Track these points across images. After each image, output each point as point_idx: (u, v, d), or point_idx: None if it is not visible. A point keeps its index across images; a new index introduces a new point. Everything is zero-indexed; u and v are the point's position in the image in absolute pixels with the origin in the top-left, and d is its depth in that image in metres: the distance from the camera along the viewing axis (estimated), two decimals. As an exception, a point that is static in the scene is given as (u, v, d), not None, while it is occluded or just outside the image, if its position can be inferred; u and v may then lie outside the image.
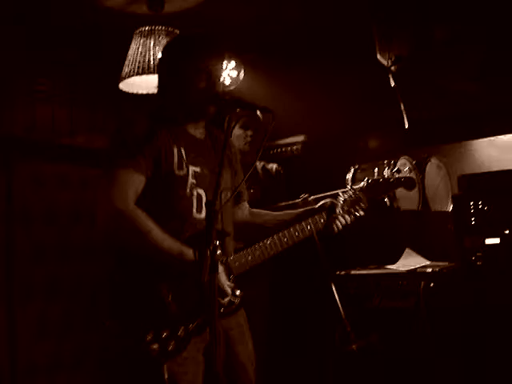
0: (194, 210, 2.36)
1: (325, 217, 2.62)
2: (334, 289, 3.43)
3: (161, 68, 2.52)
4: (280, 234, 2.49)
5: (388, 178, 2.86)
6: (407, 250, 3.84)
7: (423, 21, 3.62)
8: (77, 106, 4.36)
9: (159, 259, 2.25)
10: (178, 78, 2.41)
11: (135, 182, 2.27)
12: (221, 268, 2.29)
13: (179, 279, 2.27)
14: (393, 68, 3.71)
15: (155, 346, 2.20)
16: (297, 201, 3.61)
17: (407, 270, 3.56)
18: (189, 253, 2.24)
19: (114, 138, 2.36)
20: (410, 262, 3.72)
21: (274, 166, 3.94)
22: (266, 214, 2.74)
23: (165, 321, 2.23)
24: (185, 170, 2.36)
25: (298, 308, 4.31)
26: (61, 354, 4.12)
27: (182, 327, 2.25)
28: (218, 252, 1.95)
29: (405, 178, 2.91)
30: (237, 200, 2.65)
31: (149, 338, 2.20)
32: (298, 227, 2.54)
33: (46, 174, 4.17)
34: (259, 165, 3.91)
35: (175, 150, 2.35)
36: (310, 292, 4.07)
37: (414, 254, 3.82)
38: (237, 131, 3.68)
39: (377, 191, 2.83)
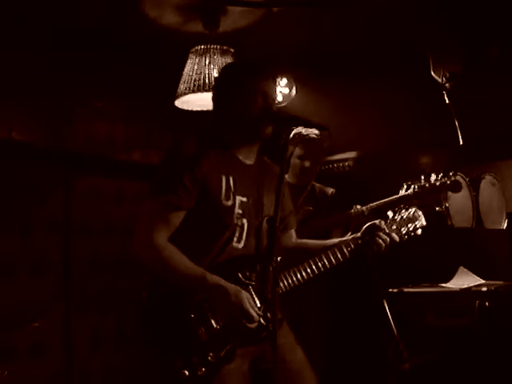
0: (235, 239, 2.37)
1: (363, 239, 2.58)
2: (386, 306, 3.41)
3: (217, 88, 2.54)
4: (317, 257, 2.48)
5: (434, 183, 2.92)
6: (461, 268, 3.80)
7: (477, 38, 3.61)
8: (133, 122, 4.47)
9: (184, 287, 2.28)
10: (235, 99, 2.42)
11: (173, 219, 2.30)
12: (247, 294, 2.26)
13: (207, 305, 2.28)
14: (447, 85, 3.70)
15: (185, 372, 2.22)
16: (350, 211, 3.59)
17: (461, 289, 3.52)
18: (212, 277, 2.25)
19: (160, 169, 2.38)
20: (464, 280, 3.68)
21: (330, 191, 3.89)
22: (312, 242, 2.73)
23: (194, 347, 2.24)
24: (232, 200, 2.36)
25: (354, 326, 4.28)
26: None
27: (212, 353, 2.25)
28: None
29: (451, 180, 2.93)
30: (284, 227, 2.64)
31: (178, 364, 2.22)
32: (336, 249, 2.52)
33: (103, 189, 4.29)
34: (317, 186, 3.88)
35: (223, 179, 2.36)
36: (365, 310, 4.05)
37: (469, 272, 3.77)
38: (294, 160, 3.62)
39: (424, 197, 2.88)
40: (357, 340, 4.23)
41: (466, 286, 3.54)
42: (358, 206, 3.56)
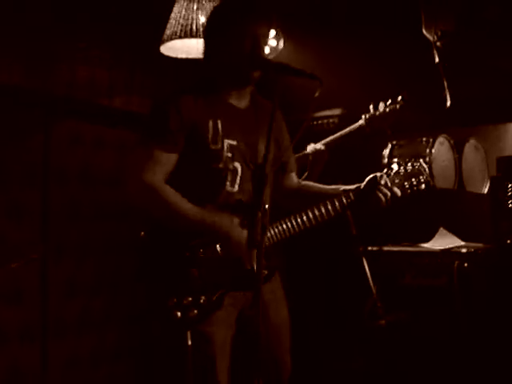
0: (228, 183, 2.37)
1: (364, 191, 2.52)
2: (365, 264, 3.42)
3: (207, 32, 2.50)
4: (315, 208, 2.45)
5: (384, 110, 3.31)
6: (441, 229, 3.81)
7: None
8: (116, 67, 4.35)
9: (185, 228, 2.28)
10: (224, 42, 2.39)
11: (166, 162, 2.31)
12: (244, 239, 2.26)
13: (203, 249, 2.29)
14: (438, 43, 3.64)
15: (178, 312, 2.23)
16: (306, 151, 3.56)
17: (441, 249, 3.54)
18: (213, 218, 2.26)
19: (151, 114, 2.40)
20: (444, 241, 3.69)
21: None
22: (314, 186, 2.70)
23: (188, 288, 2.25)
24: (219, 143, 2.35)
25: (328, 281, 4.31)
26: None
27: (204, 297, 2.26)
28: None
29: (400, 106, 3.26)
30: (283, 170, 2.64)
31: (171, 303, 2.23)
32: (335, 200, 2.48)
33: (83, 134, 4.20)
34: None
35: (210, 123, 2.35)
36: (342, 266, 4.06)
37: (449, 233, 3.79)
38: None
39: (376, 124, 3.26)
40: (334, 295, 4.24)
41: (445, 247, 3.55)
42: (313, 144, 3.53)
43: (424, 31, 3.67)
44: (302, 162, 3.44)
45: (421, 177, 2.62)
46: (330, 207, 2.46)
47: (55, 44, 4.01)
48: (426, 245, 3.72)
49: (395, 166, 2.62)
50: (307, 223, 2.44)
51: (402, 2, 3.84)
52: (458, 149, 3.97)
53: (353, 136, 3.50)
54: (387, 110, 3.30)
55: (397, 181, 2.57)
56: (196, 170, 2.36)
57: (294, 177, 2.71)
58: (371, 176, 2.55)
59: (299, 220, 2.42)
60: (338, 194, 2.51)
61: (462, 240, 3.72)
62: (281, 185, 2.62)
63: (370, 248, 3.71)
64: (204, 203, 2.32)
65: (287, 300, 2.57)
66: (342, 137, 3.53)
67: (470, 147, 4.05)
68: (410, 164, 2.62)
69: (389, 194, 2.51)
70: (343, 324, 3.97)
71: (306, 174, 3.41)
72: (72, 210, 4.11)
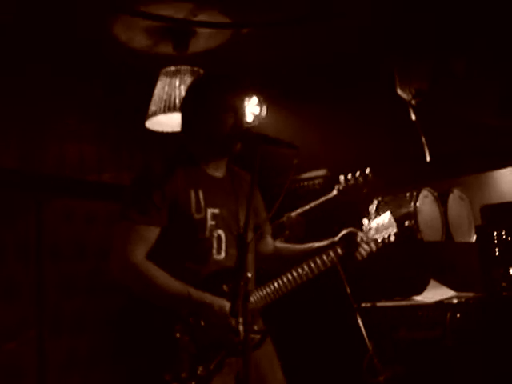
0: (214, 251, 2.39)
1: (343, 248, 2.62)
2: (359, 321, 3.45)
3: (186, 105, 2.55)
4: (299, 268, 2.51)
5: (356, 181, 3.50)
6: (432, 281, 3.85)
7: (442, 55, 3.70)
8: (104, 143, 4.47)
9: (168, 305, 2.28)
10: (203, 115, 2.44)
11: (147, 236, 2.32)
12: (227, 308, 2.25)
13: (193, 320, 2.28)
14: (413, 102, 3.78)
15: None
16: (282, 219, 3.72)
17: (433, 302, 3.57)
18: (196, 293, 2.27)
19: (130, 189, 2.41)
20: (435, 293, 3.72)
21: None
22: (289, 248, 2.76)
23: (182, 362, 2.24)
24: (203, 212, 2.38)
25: (324, 340, 4.30)
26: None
27: (201, 367, 2.25)
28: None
29: (368, 178, 3.48)
30: (259, 235, 2.67)
31: (168, 378, 2.21)
32: (317, 259, 2.56)
33: (75, 210, 4.27)
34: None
35: (192, 193, 2.38)
36: (336, 324, 4.07)
37: (440, 285, 3.82)
38: None
39: (349, 193, 3.48)
40: (330, 353, 4.24)
41: (437, 299, 3.58)
42: (290, 213, 3.71)
43: (399, 91, 3.82)
44: (279, 229, 3.60)
45: (390, 229, 2.73)
46: (312, 266, 2.53)
47: (44, 122, 4.13)
48: (418, 297, 3.75)
49: (365, 221, 2.72)
50: (296, 280, 2.49)
51: (376, 65, 4.00)
52: (442, 200, 4.05)
53: (327, 205, 3.69)
54: (357, 181, 3.51)
55: (370, 235, 2.68)
56: (181, 241, 2.37)
57: (269, 240, 2.76)
58: (346, 231, 2.65)
59: (285, 280, 2.47)
60: (315, 251, 2.59)
61: (454, 290, 3.75)
62: (257, 249, 2.64)
63: (363, 305, 3.74)
64: (191, 272, 2.33)
65: (282, 361, 2.58)
66: (316, 206, 3.72)
67: (455, 198, 4.13)
68: (379, 218, 2.73)
69: (368, 248, 2.63)
70: (342, 382, 3.95)
71: (282, 239, 3.54)
72: (66, 284, 4.14)
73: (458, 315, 3.40)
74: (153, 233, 2.34)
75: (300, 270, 2.51)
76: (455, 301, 3.49)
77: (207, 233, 2.38)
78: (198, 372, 2.25)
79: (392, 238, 2.73)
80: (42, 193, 4.03)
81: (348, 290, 3.55)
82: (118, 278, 2.32)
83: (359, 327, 3.41)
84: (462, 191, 4.18)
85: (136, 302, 2.37)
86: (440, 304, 3.53)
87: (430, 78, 3.73)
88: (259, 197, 2.70)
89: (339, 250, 2.62)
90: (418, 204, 3.87)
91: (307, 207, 3.74)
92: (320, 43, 3.97)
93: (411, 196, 3.93)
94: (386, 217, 2.75)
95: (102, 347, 4.22)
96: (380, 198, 4.08)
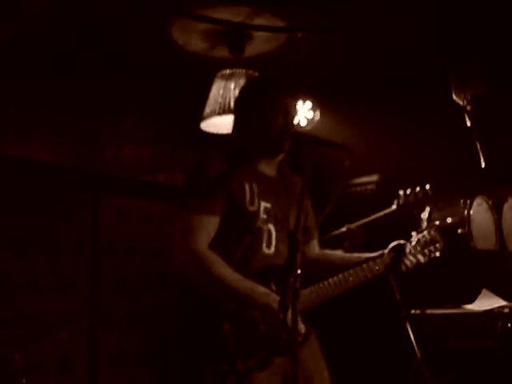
0: (264, 245, 2.43)
1: (391, 258, 2.64)
2: (409, 328, 3.41)
3: (238, 104, 2.63)
4: (346, 273, 2.51)
5: (415, 196, 3.20)
6: (484, 290, 3.78)
7: (501, 60, 3.65)
8: (160, 144, 4.58)
9: (229, 297, 2.31)
10: (255, 116, 2.51)
11: (208, 226, 2.37)
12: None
13: (242, 315, 2.31)
14: (468, 107, 3.73)
15: (214, 379, 2.25)
16: (342, 229, 3.67)
17: (484, 310, 3.51)
18: (259, 289, 2.30)
19: (189, 180, 2.47)
20: (487, 302, 3.66)
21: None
22: (336, 254, 2.78)
23: (224, 355, 2.27)
24: (256, 205, 2.43)
25: (372, 346, 4.28)
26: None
27: (241, 362, 2.27)
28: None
29: (428, 195, 3.20)
30: (306, 238, 2.70)
31: (223, 369, 2.25)
32: (364, 266, 2.57)
33: (130, 209, 4.38)
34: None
35: (247, 187, 2.43)
36: (385, 331, 4.04)
37: (492, 294, 3.76)
38: None
39: (409, 208, 3.18)
40: (379, 361, 4.21)
41: (488, 308, 3.52)
42: (351, 224, 3.65)
43: (454, 97, 3.78)
44: (338, 240, 3.57)
45: (437, 244, 2.77)
46: (365, 270, 2.55)
47: (102, 124, 4.25)
48: (469, 306, 3.70)
49: (414, 234, 2.74)
50: (343, 285, 2.50)
51: (433, 72, 3.96)
52: (496, 208, 3.99)
53: (385, 219, 3.62)
54: (416, 197, 3.34)
55: (418, 248, 2.71)
56: (233, 232, 2.41)
57: (315, 245, 2.78)
58: (395, 243, 2.68)
59: (332, 283, 2.48)
60: (363, 261, 2.60)
61: (506, 300, 3.68)
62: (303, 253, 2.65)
63: (412, 311, 3.70)
64: (241, 265, 2.37)
65: (330, 367, 2.59)
66: (374, 220, 3.66)
67: (510, 206, 4.04)
68: (426, 232, 2.76)
69: (415, 260, 2.66)
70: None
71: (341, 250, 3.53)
72: (119, 280, 4.25)
73: (510, 325, 3.33)
74: (214, 222, 2.38)
75: (346, 276, 2.52)
76: (506, 310, 3.42)
77: (259, 224, 2.42)
78: (238, 367, 2.27)
79: (437, 254, 2.75)
80: (98, 191, 4.14)
81: (398, 297, 3.53)
82: (182, 268, 2.36)
83: (408, 335, 3.38)
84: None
85: (185, 298, 2.41)
86: (491, 313, 3.47)
87: (486, 84, 3.68)
88: (309, 201, 2.72)
89: (387, 260, 2.64)
90: (471, 212, 3.82)
91: (367, 219, 3.65)
92: (373, 48, 3.97)
93: (465, 203, 3.88)
94: (433, 231, 2.78)
95: (151, 344, 4.31)
96: (432, 205, 4.04)
